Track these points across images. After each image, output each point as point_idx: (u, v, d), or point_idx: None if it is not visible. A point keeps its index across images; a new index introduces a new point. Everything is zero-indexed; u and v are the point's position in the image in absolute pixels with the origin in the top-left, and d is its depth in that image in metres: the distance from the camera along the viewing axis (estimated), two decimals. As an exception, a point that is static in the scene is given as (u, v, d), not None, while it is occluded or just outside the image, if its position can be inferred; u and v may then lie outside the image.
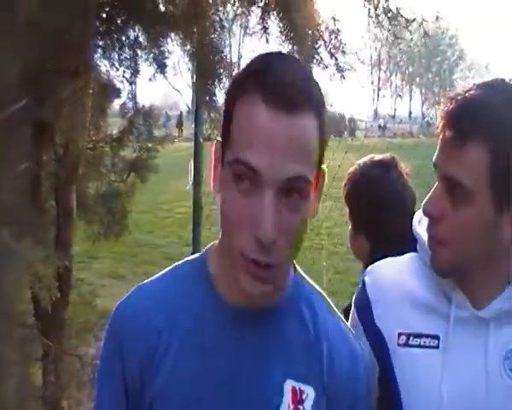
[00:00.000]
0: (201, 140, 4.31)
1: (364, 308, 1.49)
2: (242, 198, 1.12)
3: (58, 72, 3.50)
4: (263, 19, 3.27)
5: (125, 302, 1.31)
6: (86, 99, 3.31)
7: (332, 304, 1.37)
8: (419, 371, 1.38)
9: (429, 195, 1.35)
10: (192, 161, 4.29)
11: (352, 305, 1.55)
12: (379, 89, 69.06)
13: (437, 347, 1.38)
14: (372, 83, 68.51)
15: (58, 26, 3.11)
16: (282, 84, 1.11)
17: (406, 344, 1.41)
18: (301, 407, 1.23)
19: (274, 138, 1.09)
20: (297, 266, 1.35)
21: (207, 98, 3.44)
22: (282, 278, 1.23)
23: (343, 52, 3.09)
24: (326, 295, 1.38)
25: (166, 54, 3.89)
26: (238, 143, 1.13)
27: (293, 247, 1.16)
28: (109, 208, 3.96)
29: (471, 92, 1.30)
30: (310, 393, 1.24)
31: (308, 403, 1.23)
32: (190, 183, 4.28)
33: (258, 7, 3.28)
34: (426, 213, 1.35)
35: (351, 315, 1.54)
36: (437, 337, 1.38)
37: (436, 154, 1.34)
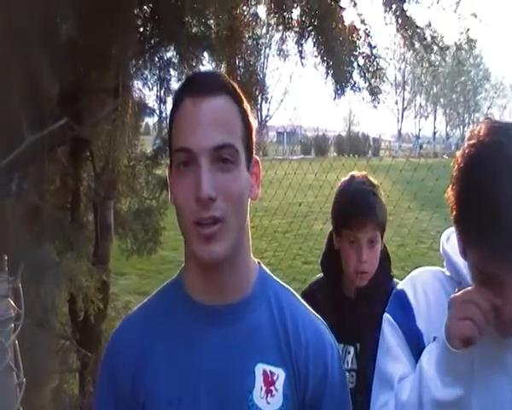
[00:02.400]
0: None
1: (407, 314, 1.53)
2: (185, 179, 1.29)
3: (98, 91, 3.61)
4: (299, 43, 3.35)
5: (114, 336, 1.51)
6: (125, 117, 3.40)
7: (296, 294, 1.51)
8: None
9: None
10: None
11: (387, 315, 1.58)
12: (403, 109, 68.89)
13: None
14: (396, 103, 68.37)
15: (98, 45, 3.22)
16: (200, 78, 1.41)
17: None
18: (273, 388, 1.36)
19: (197, 118, 1.29)
20: (262, 265, 1.49)
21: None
22: (230, 237, 1.32)
23: (380, 78, 3.14)
24: (291, 289, 1.51)
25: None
26: (177, 138, 1.32)
27: (233, 208, 1.30)
28: (143, 225, 4.03)
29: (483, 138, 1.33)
30: (280, 374, 1.37)
31: (279, 383, 1.37)
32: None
33: (295, 31, 3.35)
34: None
35: (384, 324, 1.58)
36: None
37: None
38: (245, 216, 1.37)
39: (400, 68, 66.09)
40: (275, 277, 1.51)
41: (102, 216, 3.48)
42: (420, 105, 71.99)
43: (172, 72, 4.00)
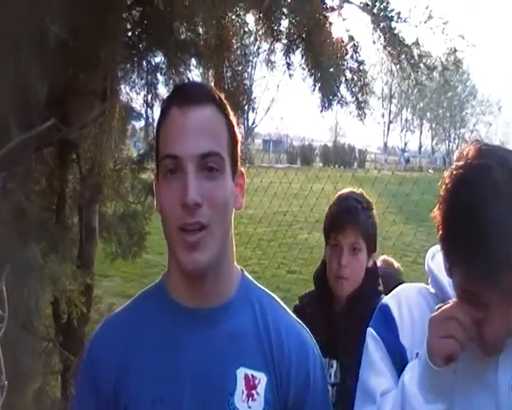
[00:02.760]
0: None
1: (390, 329, 1.54)
2: (171, 185, 1.33)
3: (86, 93, 3.62)
4: (286, 54, 3.38)
5: (94, 338, 1.53)
6: (112, 121, 3.42)
7: (280, 302, 1.54)
8: None
9: None
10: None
11: (370, 329, 1.59)
12: (390, 122, 69.19)
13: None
14: (383, 116, 68.66)
15: (87, 48, 3.23)
16: (188, 88, 1.47)
17: None
18: (254, 392, 1.39)
19: (185, 127, 1.33)
20: (245, 273, 1.53)
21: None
22: (214, 245, 1.35)
23: (367, 93, 3.18)
24: (275, 295, 1.54)
25: (186, 80, 4.00)
26: (164, 146, 1.36)
27: (218, 215, 1.34)
28: (128, 229, 4.04)
29: (470, 161, 1.35)
30: (262, 378, 1.40)
31: (261, 387, 1.40)
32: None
33: (283, 43, 3.38)
34: None
35: (368, 339, 1.59)
36: None
37: None
38: (229, 225, 1.40)
39: (387, 81, 66.47)
40: (258, 284, 1.54)
41: (87, 219, 3.49)
42: (406, 119, 72.38)
43: (160, 77, 4.01)
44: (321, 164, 41.32)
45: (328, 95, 3.24)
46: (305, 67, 3.29)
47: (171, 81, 3.86)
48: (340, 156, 41.85)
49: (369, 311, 1.66)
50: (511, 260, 1.25)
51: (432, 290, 1.56)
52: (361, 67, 3.25)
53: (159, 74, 3.95)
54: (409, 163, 51.38)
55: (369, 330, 1.59)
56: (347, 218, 2.39)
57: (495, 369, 1.41)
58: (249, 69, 4.08)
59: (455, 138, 71.58)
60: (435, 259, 1.55)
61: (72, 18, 2.87)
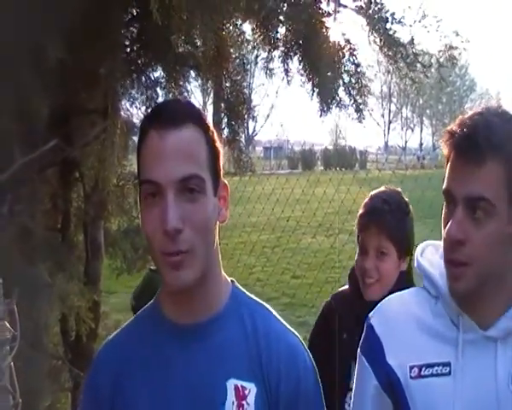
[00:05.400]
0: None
1: (374, 350, 1.54)
2: (152, 210, 1.32)
3: (87, 112, 3.64)
4: (284, 61, 3.40)
5: (95, 360, 1.55)
6: (114, 138, 3.43)
7: (273, 311, 1.52)
8: (433, 400, 1.44)
9: (451, 221, 1.39)
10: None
11: (359, 352, 1.59)
12: (390, 121, 69.23)
13: (449, 373, 1.44)
14: (383, 115, 68.71)
15: (86, 67, 3.25)
16: (165, 109, 1.41)
17: (419, 376, 1.46)
18: (244, 402, 1.39)
19: (163, 151, 1.32)
20: (236, 284, 1.53)
21: (232, 137, 3.56)
22: (198, 264, 1.36)
23: (365, 95, 3.20)
24: (267, 305, 1.53)
25: (186, 94, 4.03)
26: (143, 171, 1.35)
27: (201, 236, 1.34)
28: (132, 244, 4.06)
29: (470, 121, 1.39)
30: (252, 388, 1.40)
31: (251, 397, 1.39)
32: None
33: (280, 50, 3.40)
34: (451, 238, 1.39)
35: (358, 362, 1.60)
36: (448, 364, 1.44)
37: (447, 181, 1.41)
38: (213, 241, 1.41)
39: (386, 81, 66.50)
40: (249, 294, 1.54)
41: (93, 236, 3.51)
42: (406, 117, 72.40)
43: (160, 91, 4.03)
44: (322, 168, 41.31)
45: (327, 99, 3.26)
46: (303, 72, 3.31)
47: (170, 95, 3.89)
48: (342, 159, 41.89)
49: None
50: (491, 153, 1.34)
51: (423, 291, 1.55)
52: (358, 70, 3.27)
53: (158, 88, 3.98)
54: (424, 160, 51.34)
55: (359, 351, 1.59)
56: (372, 217, 2.31)
57: (494, 360, 1.42)
58: (248, 78, 4.10)
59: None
60: (425, 254, 1.56)
61: (70, 37, 2.89)
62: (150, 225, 1.33)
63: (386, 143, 69.18)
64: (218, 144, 1.43)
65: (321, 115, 3.42)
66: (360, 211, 2.39)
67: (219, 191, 1.42)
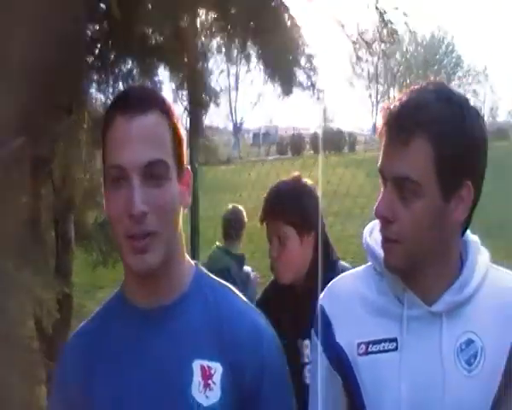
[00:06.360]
0: (196, 165, 4.45)
1: (324, 330, 1.56)
2: (117, 194, 1.34)
3: (52, 109, 3.66)
4: (243, 48, 3.44)
5: (60, 360, 1.57)
6: (81, 134, 3.47)
7: (236, 291, 1.55)
8: (380, 375, 1.46)
9: (379, 198, 1.42)
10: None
11: (312, 332, 1.61)
12: (377, 102, 69.08)
13: (395, 349, 1.46)
14: (370, 96, 68.57)
15: (50, 65, 3.27)
16: (131, 95, 1.42)
17: (366, 353, 1.48)
18: (211, 382, 1.42)
19: (128, 136, 1.34)
20: (200, 266, 1.56)
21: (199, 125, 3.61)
22: (162, 248, 1.39)
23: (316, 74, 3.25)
24: (231, 286, 1.56)
25: (158, 84, 4.07)
26: (109, 155, 1.37)
27: (165, 220, 1.37)
28: (107, 236, 4.08)
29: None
30: (217, 368, 1.43)
31: (217, 377, 1.42)
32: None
33: (238, 38, 3.44)
34: (379, 216, 1.42)
35: (311, 342, 1.62)
36: (395, 340, 1.46)
37: (380, 161, 1.43)
38: (177, 225, 1.43)
39: (373, 62, 66.40)
40: (213, 276, 1.57)
41: (63, 230, 3.54)
42: (394, 97, 72.15)
43: (132, 83, 4.07)
44: (312, 151, 41.26)
45: (287, 80, 3.31)
46: (260, 58, 3.35)
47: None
48: (330, 142, 41.82)
49: (321, 283, 1.69)
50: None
51: (371, 269, 1.57)
52: (312, 53, 3.31)
53: (131, 81, 4.02)
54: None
55: (312, 331, 1.61)
56: (267, 211, 2.43)
57: (439, 335, 1.44)
58: (209, 65, 4.14)
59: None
60: (373, 235, 1.57)
61: (33, 36, 2.91)
62: (115, 210, 1.35)
63: (374, 125, 69.13)
64: (182, 131, 1.45)
65: (283, 98, 3.48)
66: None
67: (183, 177, 1.45)
